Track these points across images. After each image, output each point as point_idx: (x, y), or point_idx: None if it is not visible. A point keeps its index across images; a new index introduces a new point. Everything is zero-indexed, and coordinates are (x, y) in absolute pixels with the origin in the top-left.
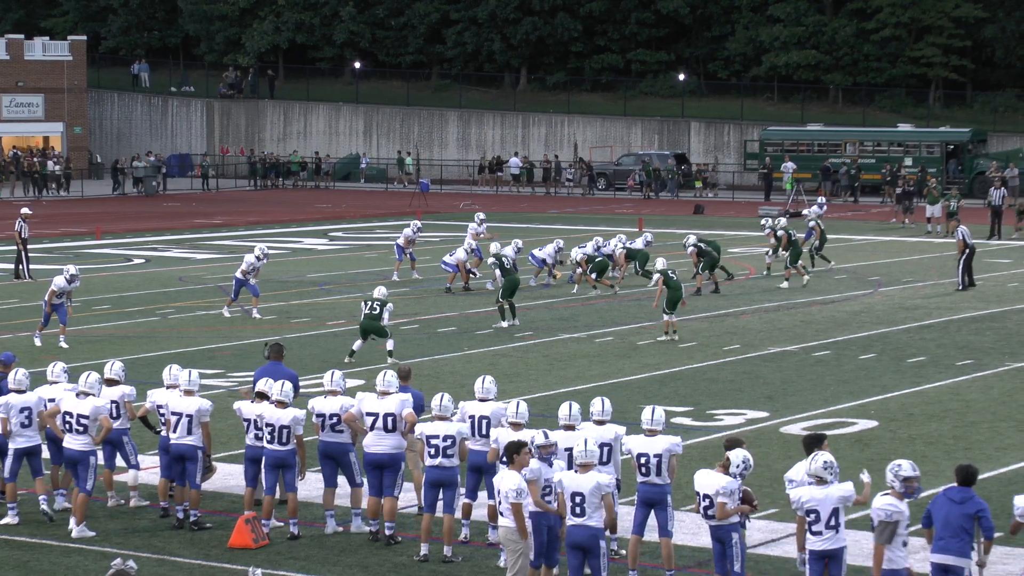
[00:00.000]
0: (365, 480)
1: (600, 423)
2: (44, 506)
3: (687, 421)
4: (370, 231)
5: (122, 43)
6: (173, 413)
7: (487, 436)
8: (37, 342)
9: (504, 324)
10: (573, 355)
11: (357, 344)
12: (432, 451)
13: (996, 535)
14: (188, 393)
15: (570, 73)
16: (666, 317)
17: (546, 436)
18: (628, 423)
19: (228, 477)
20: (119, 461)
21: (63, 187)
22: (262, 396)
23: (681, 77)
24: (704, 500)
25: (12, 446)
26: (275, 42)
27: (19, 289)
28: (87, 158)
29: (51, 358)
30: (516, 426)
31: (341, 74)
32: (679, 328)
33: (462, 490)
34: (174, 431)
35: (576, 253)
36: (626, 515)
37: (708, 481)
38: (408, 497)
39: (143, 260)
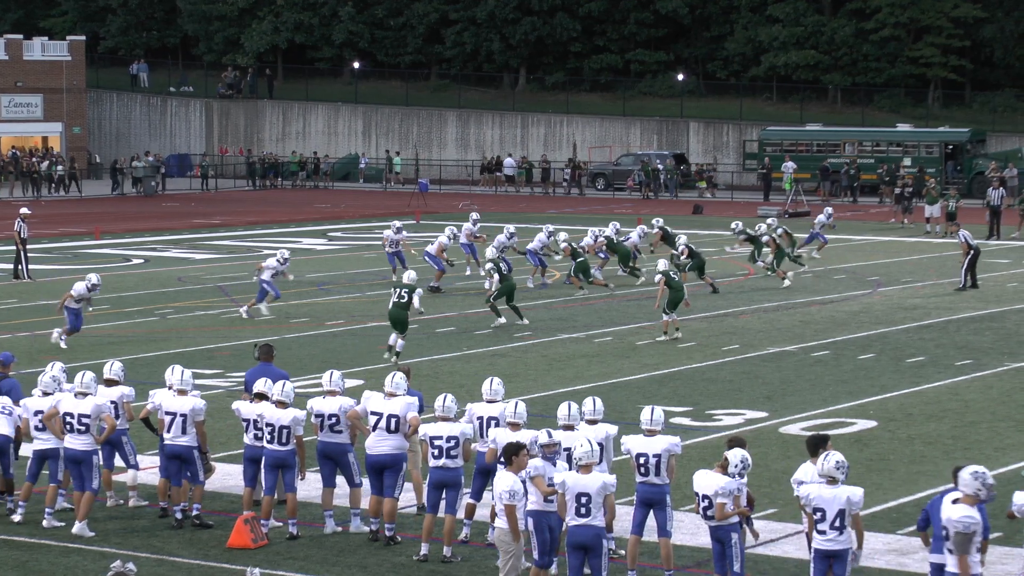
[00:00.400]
0: (364, 480)
1: (592, 422)
2: (47, 521)
3: (686, 421)
4: (369, 231)
5: (121, 43)
6: (167, 413)
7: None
8: (63, 344)
9: (502, 320)
10: (572, 355)
11: (392, 338)
12: (435, 452)
13: (993, 535)
14: (181, 393)
15: (569, 73)
16: (665, 317)
17: (550, 435)
18: (627, 423)
19: (227, 477)
20: (118, 461)
21: (66, 187)
22: (261, 397)
23: (680, 77)
24: (703, 501)
25: (31, 447)
26: (274, 42)
27: (18, 289)
28: (86, 158)
29: (50, 358)
30: (514, 426)
31: (340, 74)
32: (680, 327)
33: (466, 491)
34: (168, 431)
35: (588, 239)
36: (625, 515)
37: (707, 482)
38: (408, 497)
39: (142, 260)
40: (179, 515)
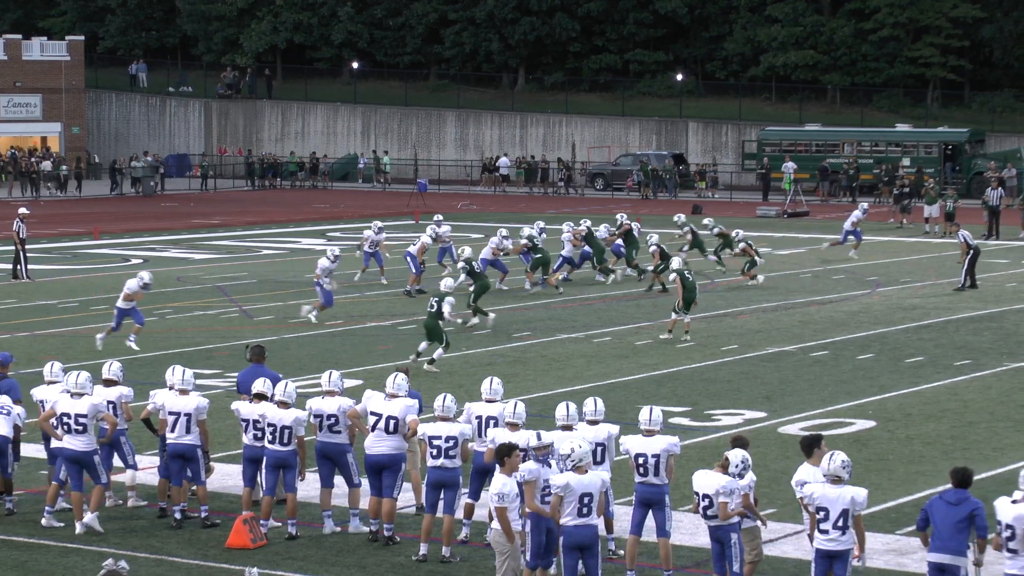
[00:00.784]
0: (363, 480)
1: (593, 423)
2: (45, 520)
3: (685, 421)
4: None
5: (120, 43)
6: (171, 413)
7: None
8: (99, 345)
9: (476, 320)
10: (571, 355)
11: (423, 346)
12: (434, 452)
13: (991, 535)
14: (183, 392)
15: (568, 73)
16: (674, 316)
17: (539, 438)
18: (626, 423)
19: (226, 477)
20: (116, 461)
21: (62, 188)
22: (260, 397)
23: (679, 77)
24: (703, 500)
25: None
26: (273, 42)
27: (17, 289)
28: (85, 158)
29: (48, 358)
30: (513, 426)
31: (339, 74)
32: (689, 330)
33: (464, 491)
34: (172, 431)
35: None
36: (624, 515)
37: (707, 481)
38: (406, 497)
39: (141, 260)
40: (178, 515)
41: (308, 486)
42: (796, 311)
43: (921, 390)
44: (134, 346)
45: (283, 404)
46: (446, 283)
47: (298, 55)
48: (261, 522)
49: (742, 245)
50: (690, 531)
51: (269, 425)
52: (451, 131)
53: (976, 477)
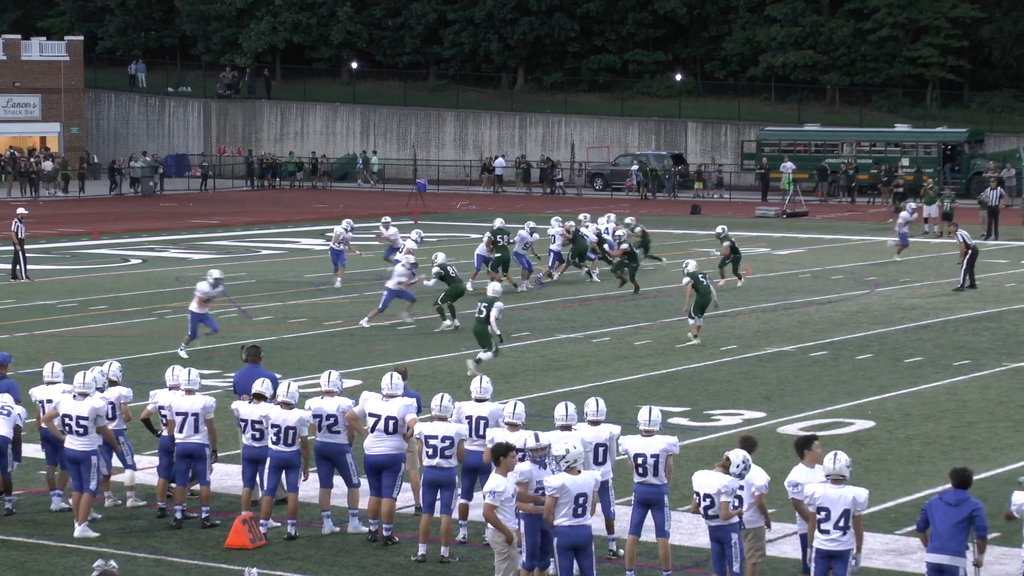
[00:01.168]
0: (363, 480)
1: (595, 423)
2: (55, 503)
3: (684, 421)
4: (367, 231)
5: (119, 43)
6: (178, 413)
7: (484, 437)
8: (183, 354)
9: (447, 323)
10: (570, 355)
11: (482, 355)
12: (430, 451)
13: (991, 535)
14: (190, 392)
15: (567, 73)
16: (691, 322)
17: (537, 439)
18: (625, 423)
19: (225, 477)
20: (115, 461)
21: (66, 188)
22: (259, 397)
23: (678, 77)
24: (704, 500)
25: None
26: (272, 42)
27: (16, 290)
28: (84, 158)
29: (47, 358)
30: (513, 427)
31: (338, 74)
32: (698, 333)
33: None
34: (180, 431)
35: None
36: (623, 515)
37: (709, 481)
38: (405, 497)
39: (140, 260)
40: (179, 515)
41: (307, 486)
42: (795, 311)
43: (920, 390)
44: (183, 354)
45: (286, 405)
46: (493, 287)
47: (297, 55)
48: (261, 522)
49: (726, 244)
50: (689, 531)
51: (273, 426)
52: (450, 131)
53: (975, 477)
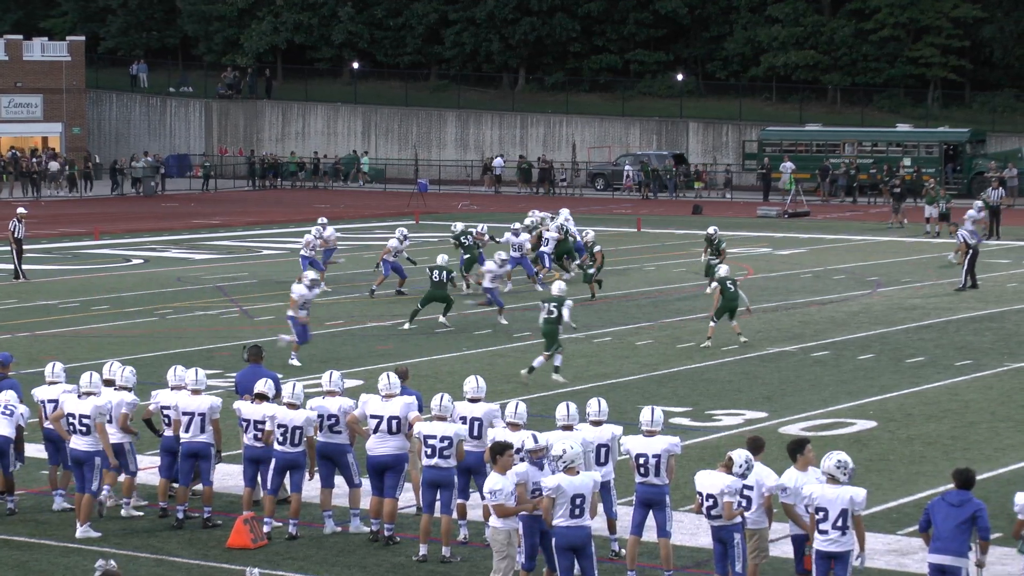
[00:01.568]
0: (364, 480)
1: (597, 424)
2: (109, 499)
3: (685, 421)
4: (368, 231)
5: (121, 44)
6: (184, 413)
7: (479, 437)
8: (296, 362)
9: (409, 325)
10: (571, 355)
11: (539, 361)
12: (428, 451)
13: (994, 536)
14: (196, 392)
15: (568, 73)
16: (712, 324)
17: (535, 440)
18: (627, 423)
19: (226, 477)
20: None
21: (73, 187)
22: (261, 397)
23: (679, 77)
24: (707, 500)
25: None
26: (273, 42)
27: (18, 289)
28: (85, 158)
29: (49, 358)
30: (514, 426)
31: (339, 74)
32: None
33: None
34: (186, 431)
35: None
36: (625, 515)
37: (711, 481)
38: (407, 497)
39: (142, 260)
40: (181, 515)
41: (308, 486)
42: (797, 311)
43: (922, 390)
44: (296, 362)
45: (292, 405)
46: (559, 287)
47: (298, 55)
48: (265, 520)
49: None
50: (691, 531)
51: (280, 426)
52: (451, 131)
53: (977, 477)
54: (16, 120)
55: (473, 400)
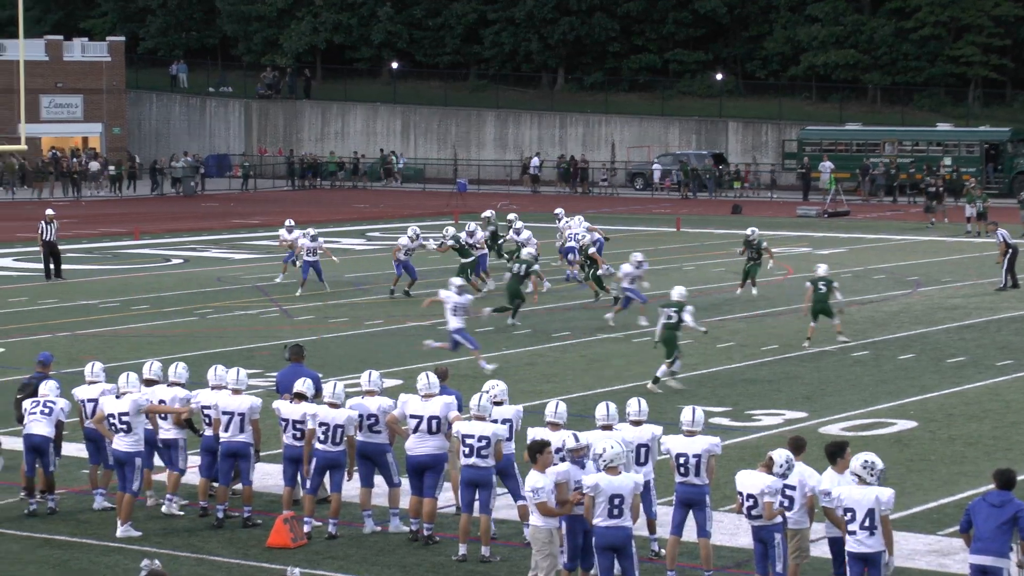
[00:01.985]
0: (403, 480)
1: (637, 423)
2: (165, 503)
3: (725, 421)
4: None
5: (160, 44)
6: (224, 412)
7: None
8: (488, 368)
9: (509, 322)
10: (610, 355)
11: (663, 370)
12: (466, 451)
13: None
14: (236, 392)
15: (607, 73)
16: (812, 324)
17: (576, 439)
18: (666, 423)
19: (266, 477)
20: (157, 461)
21: (116, 188)
22: (300, 397)
23: (719, 77)
24: (748, 500)
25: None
26: (313, 42)
27: (58, 289)
28: (129, 158)
29: (89, 358)
30: (554, 426)
31: (379, 74)
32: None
33: (501, 491)
34: (225, 430)
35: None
36: (664, 515)
37: (752, 481)
38: (446, 497)
39: (181, 260)
40: (221, 515)
41: (348, 486)
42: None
43: (963, 390)
44: (488, 367)
45: (333, 405)
46: (679, 291)
47: (337, 55)
48: (305, 519)
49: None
50: (730, 531)
51: (321, 424)
52: (490, 131)
53: (1019, 478)
54: (57, 120)
55: (497, 403)
